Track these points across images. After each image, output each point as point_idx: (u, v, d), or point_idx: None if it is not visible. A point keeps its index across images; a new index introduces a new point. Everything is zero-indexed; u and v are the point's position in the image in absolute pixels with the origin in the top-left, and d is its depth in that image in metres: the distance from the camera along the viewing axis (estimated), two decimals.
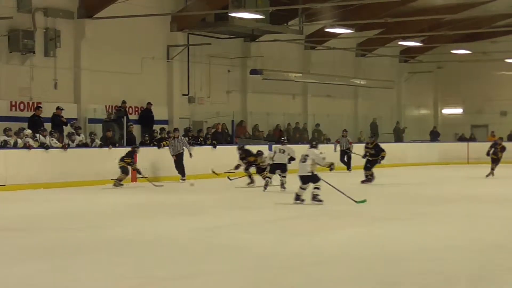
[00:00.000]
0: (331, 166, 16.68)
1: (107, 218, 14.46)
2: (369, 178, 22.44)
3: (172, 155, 23.39)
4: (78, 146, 22.43)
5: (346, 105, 36.65)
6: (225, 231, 12.46)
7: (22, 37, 22.76)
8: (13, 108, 23.17)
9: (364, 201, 15.99)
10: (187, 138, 24.29)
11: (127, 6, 24.19)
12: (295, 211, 15.31)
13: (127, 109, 25.42)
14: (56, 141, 21.74)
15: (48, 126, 22.59)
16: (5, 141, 20.67)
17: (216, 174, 22.30)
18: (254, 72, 30.55)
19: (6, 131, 21.14)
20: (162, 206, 16.74)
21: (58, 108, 23.21)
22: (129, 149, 22.05)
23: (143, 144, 24.55)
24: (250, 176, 21.66)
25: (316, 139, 24.41)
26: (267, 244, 10.86)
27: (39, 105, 23.25)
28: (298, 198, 16.17)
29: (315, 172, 15.98)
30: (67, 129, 23.09)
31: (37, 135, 21.57)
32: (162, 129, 25.90)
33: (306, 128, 33.21)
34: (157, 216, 14.71)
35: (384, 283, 8.19)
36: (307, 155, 16.08)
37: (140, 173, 21.73)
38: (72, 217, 14.48)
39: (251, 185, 21.49)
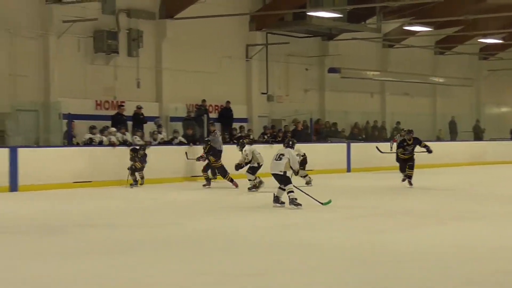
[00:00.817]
0: (298, 171, 15.52)
1: (185, 214, 14.58)
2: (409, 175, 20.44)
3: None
4: (159, 143, 22.70)
5: (424, 103, 36.40)
6: (298, 228, 12.44)
7: (106, 37, 23.34)
8: (98, 106, 23.73)
9: (329, 202, 14.80)
10: (266, 136, 24.45)
11: (206, 6, 24.50)
12: (364, 211, 14.90)
13: (207, 107, 25.73)
14: (140, 139, 22.06)
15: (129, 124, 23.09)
16: (90, 138, 21.15)
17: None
18: (332, 70, 30.64)
19: (91, 129, 21.59)
20: (234, 203, 16.77)
21: (137, 107, 23.66)
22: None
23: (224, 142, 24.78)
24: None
25: (400, 136, 23.47)
26: (343, 242, 10.78)
27: (122, 103, 23.81)
28: (277, 200, 14.88)
29: (288, 174, 14.89)
30: (149, 127, 23.43)
31: (119, 133, 21.93)
32: (241, 127, 26.15)
33: (385, 127, 33.11)
34: (230, 213, 14.78)
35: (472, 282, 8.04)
36: (282, 154, 14.97)
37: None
38: (152, 213, 14.74)
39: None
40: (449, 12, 28.73)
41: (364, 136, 31.35)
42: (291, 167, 14.89)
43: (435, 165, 26.48)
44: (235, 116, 26.82)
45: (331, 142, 28.44)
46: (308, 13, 26.56)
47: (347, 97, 32.17)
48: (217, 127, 23.83)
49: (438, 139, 33.89)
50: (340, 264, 9.02)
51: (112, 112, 23.62)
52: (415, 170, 20.04)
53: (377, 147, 20.01)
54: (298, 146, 19.07)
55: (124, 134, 22.02)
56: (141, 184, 20.23)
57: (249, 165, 18.98)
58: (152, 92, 25.30)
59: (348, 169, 26.86)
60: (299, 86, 30.39)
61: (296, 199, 14.55)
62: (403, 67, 33.75)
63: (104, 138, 21.64)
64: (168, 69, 25.41)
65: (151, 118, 23.82)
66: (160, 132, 23.38)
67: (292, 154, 15.02)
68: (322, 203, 14.69)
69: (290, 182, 14.76)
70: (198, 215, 14.44)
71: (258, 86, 28.72)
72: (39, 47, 22.25)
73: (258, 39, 28.35)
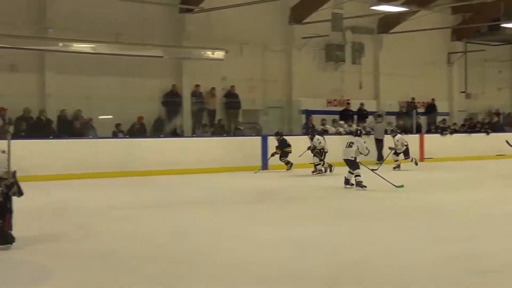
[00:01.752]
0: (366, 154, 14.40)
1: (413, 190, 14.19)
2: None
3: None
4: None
5: None
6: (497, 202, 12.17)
7: (335, 49, 24.12)
8: (329, 104, 24.54)
9: (402, 186, 13.94)
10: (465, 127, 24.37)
11: (414, 22, 24.40)
12: None
13: (415, 103, 25.88)
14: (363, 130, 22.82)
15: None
16: (322, 129, 21.68)
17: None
18: None
19: (322, 121, 22.70)
20: (441, 182, 16.43)
21: (360, 103, 24.36)
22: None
23: (428, 132, 25.10)
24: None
25: None
26: None
27: (348, 101, 24.65)
28: (347, 182, 14.26)
29: (358, 160, 14.08)
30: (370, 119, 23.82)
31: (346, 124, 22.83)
32: (443, 120, 26.10)
33: None
34: (438, 190, 14.50)
35: None
36: (352, 142, 14.11)
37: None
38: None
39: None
40: None
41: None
42: (360, 153, 14.12)
43: None
44: (438, 110, 26.89)
45: None
46: (502, 25, 26.14)
47: None
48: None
49: None
50: None
51: (339, 108, 24.27)
52: None
53: (506, 141, 18.63)
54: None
55: (350, 126, 22.69)
56: None
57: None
58: (371, 92, 25.73)
59: None
60: (493, 86, 29.71)
61: (361, 182, 13.87)
62: None
63: (333, 128, 22.55)
64: (384, 73, 25.74)
65: (371, 113, 24.15)
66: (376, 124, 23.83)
67: (360, 142, 14.20)
68: (396, 186, 13.81)
69: (358, 167, 14.04)
70: (418, 191, 14.14)
71: (458, 86, 28.56)
72: (284, 58, 23.19)
73: (458, 47, 28.24)
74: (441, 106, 27.37)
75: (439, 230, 9.21)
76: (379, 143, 21.55)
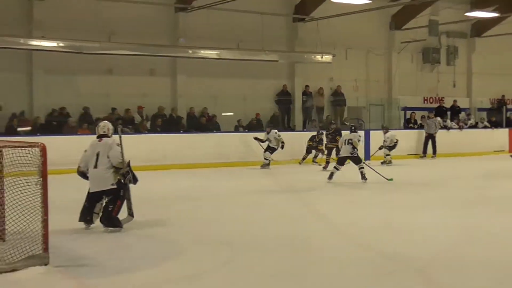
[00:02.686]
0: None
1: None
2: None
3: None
4: (470, 127, 22.16)
5: None
6: None
7: (432, 52, 23.28)
8: (425, 101, 23.63)
9: (391, 179, 12.91)
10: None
11: (506, 26, 22.67)
12: None
13: (505, 101, 24.50)
14: (455, 124, 21.78)
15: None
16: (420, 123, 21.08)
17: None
18: None
19: (422, 117, 21.29)
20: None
21: (454, 101, 23.31)
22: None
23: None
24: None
25: None
26: None
27: (442, 99, 23.61)
28: (331, 176, 12.84)
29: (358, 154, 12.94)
30: (462, 115, 23.00)
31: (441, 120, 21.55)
32: None
33: None
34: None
35: None
36: (350, 139, 12.86)
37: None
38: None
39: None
40: None
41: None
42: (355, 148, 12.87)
43: None
44: None
45: None
46: None
47: None
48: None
49: None
50: None
51: (435, 105, 23.31)
52: None
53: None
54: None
55: (445, 121, 21.59)
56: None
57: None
58: (464, 90, 24.70)
59: None
60: None
61: (365, 173, 12.78)
62: None
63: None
64: (476, 73, 24.64)
65: (464, 109, 23.44)
66: (469, 119, 22.95)
67: (356, 136, 12.94)
68: (387, 179, 12.89)
69: (361, 161, 13.00)
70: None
71: None
72: (385, 61, 22.59)
73: None
74: None
75: None
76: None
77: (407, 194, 11.58)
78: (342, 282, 5.63)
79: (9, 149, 5.97)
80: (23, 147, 5.88)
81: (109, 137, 7.86)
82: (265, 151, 16.19)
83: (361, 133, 16.95)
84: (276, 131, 16.46)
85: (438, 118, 20.79)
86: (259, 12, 18.79)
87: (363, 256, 6.49)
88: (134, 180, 7.74)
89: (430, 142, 19.81)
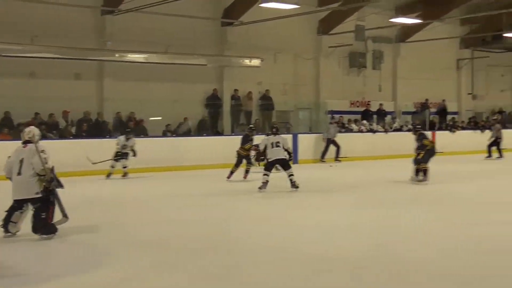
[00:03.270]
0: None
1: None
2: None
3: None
4: (394, 130, 22.61)
5: None
6: None
7: (358, 57, 23.70)
8: (352, 105, 23.97)
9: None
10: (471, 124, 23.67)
11: (428, 33, 23.70)
12: None
13: (428, 104, 25.15)
14: (381, 127, 22.30)
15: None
16: (344, 126, 21.43)
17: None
18: None
19: (349, 121, 22.15)
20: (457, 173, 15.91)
21: (380, 104, 23.71)
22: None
23: (440, 129, 24.33)
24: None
25: None
26: None
27: (368, 102, 23.96)
28: (265, 185, 11.83)
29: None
30: (388, 119, 23.48)
31: (367, 122, 22.26)
32: (453, 119, 25.45)
33: None
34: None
35: None
36: (278, 142, 12.11)
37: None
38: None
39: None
40: None
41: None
42: (286, 150, 12.21)
43: None
44: (448, 110, 26.05)
45: None
46: (504, 35, 25.08)
47: None
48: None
49: None
50: None
51: (361, 109, 23.70)
52: None
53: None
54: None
55: (371, 124, 22.25)
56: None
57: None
58: (389, 94, 25.18)
59: None
60: (496, 88, 28.89)
61: (295, 181, 11.91)
62: None
63: (355, 127, 21.96)
64: (401, 77, 25.25)
65: (389, 113, 23.93)
66: (394, 122, 23.48)
67: (284, 138, 12.38)
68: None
69: (290, 167, 12.07)
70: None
71: (465, 88, 27.90)
72: (313, 65, 22.83)
73: (466, 54, 27.62)
74: (451, 106, 26.64)
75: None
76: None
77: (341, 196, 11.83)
78: (271, 283, 5.70)
79: None
80: None
81: (34, 143, 7.71)
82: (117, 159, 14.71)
83: (289, 136, 17.47)
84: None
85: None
86: (188, 15, 18.80)
87: (294, 257, 6.60)
88: (59, 185, 7.67)
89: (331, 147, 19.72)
